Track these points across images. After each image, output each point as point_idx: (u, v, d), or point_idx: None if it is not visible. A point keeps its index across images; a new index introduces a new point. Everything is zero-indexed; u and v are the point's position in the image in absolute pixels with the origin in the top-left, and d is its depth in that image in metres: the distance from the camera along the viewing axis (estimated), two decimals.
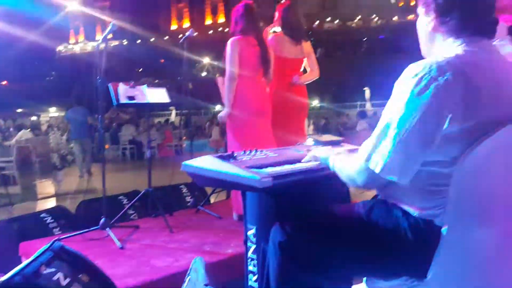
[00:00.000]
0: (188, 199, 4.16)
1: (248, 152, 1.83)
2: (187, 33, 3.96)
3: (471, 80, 1.15)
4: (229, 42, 3.36)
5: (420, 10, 1.35)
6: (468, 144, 1.15)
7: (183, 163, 1.74)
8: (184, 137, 14.75)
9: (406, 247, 1.29)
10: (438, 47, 1.31)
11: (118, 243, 2.81)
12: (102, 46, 3.12)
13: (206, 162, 1.69)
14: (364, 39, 47.35)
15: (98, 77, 3.07)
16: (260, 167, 1.61)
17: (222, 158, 1.70)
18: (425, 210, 1.27)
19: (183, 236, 3.05)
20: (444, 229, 1.22)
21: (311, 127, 6.68)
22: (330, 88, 27.86)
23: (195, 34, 4.08)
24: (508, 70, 1.28)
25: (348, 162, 1.37)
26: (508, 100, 1.20)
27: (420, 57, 1.33)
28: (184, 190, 4.23)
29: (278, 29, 3.83)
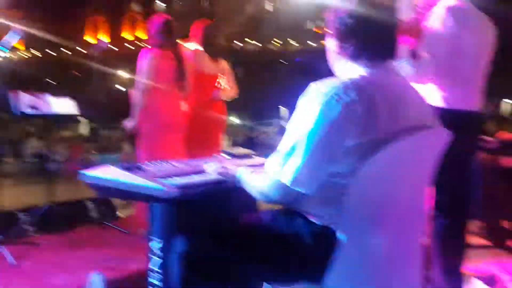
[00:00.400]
0: (93, 214, 3.96)
1: (155, 163, 1.79)
2: (99, 45, 3.83)
3: (372, 99, 1.25)
4: (142, 54, 3.31)
5: (328, 34, 1.44)
6: (364, 158, 1.23)
7: (84, 173, 1.65)
8: (94, 151, 14.06)
9: (307, 253, 1.34)
10: (344, 68, 1.40)
11: (12, 261, 2.60)
12: (4, 54, 2.90)
13: (109, 173, 1.62)
14: (283, 61, 48.94)
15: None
16: (166, 177, 1.57)
17: (127, 168, 1.64)
18: (325, 218, 1.33)
19: (84, 252, 2.92)
20: (340, 235, 1.28)
21: (230, 143, 6.73)
22: (250, 106, 28.38)
23: (107, 46, 3.96)
24: (405, 89, 1.39)
25: (259, 179, 1.39)
26: (402, 118, 1.30)
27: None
28: (90, 205, 4.03)
29: (196, 45, 3.85)
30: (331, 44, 1.43)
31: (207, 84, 3.79)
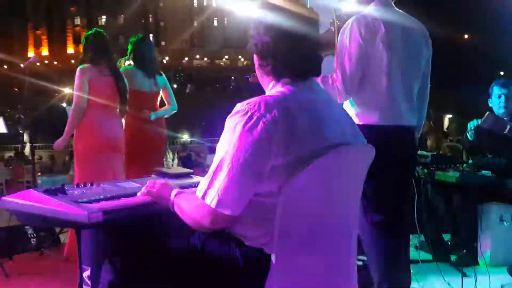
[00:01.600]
0: (33, 240, 3.73)
1: (82, 185, 1.69)
2: (30, 59, 3.66)
3: (295, 116, 1.23)
4: (77, 70, 3.19)
5: (251, 50, 1.40)
6: (290, 176, 1.21)
7: (2, 198, 1.54)
8: (39, 173, 13.43)
9: (239, 276, 1.30)
10: (268, 85, 1.38)
11: None
12: None
13: (29, 197, 1.51)
14: (232, 77, 49.32)
15: None
16: (91, 201, 1.48)
17: (49, 192, 1.53)
18: (255, 239, 1.29)
19: (20, 282, 2.77)
20: (273, 257, 1.24)
21: (176, 161, 6.59)
22: (200, 123, 28.25)
23: (47, 59, 3.79)
24: (329, 106, 1.38)
25: (188, 203, 1.34)
26: (326, 135, 1.29)
27: None
28: (29, 230, 3.79)
29: (130, 62, 3.76)
30: (254, 60, 1.40)
31: (142, 102, 3.70)
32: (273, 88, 1.35)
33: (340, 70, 2.02)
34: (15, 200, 1.53)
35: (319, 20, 1.41)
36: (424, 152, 3.48)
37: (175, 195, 1.42)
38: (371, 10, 2.09)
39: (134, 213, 1.51)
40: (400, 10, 2.17)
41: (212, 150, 11.98)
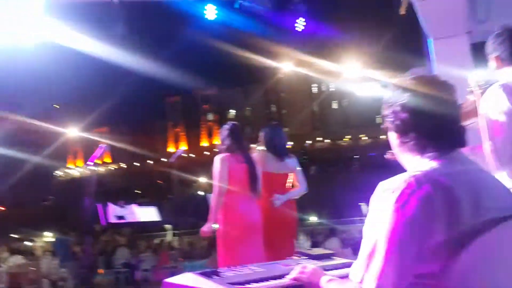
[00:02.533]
0: None
1: (233, 268, 1.79)
2: (177, 152, 4.12)
3: (449, 190, 1.18)
4: (216, 159, 3.49)
5: (387, 128, 1.41)
6: (453, 255, 1.14)
7: (164, 281, 1.69)
8: (181, 258, 14.28)
9: None
10: (411, 161, 1.34)
11: None
12: (93, 167, 3.21)
13: (188, 280, 1.65)
14: (356, 156, 48.74)
15: (87, 199, 3.11)
16: (244, 283, 1.56)
17: (205, 275, 1.66)
18: None
19: None
20: None
21: (308, 243, 6.55)
22: (327, 204, 27.94)
23: (183, 153, 4.24)
24: (483, 178, 1.31)
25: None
26: (487, 208, 1.21)
27: None
28: None
29: (262, 147, 4.03)
30: (392, 138, 1.39)
31: (274, 184, 3.86)
32: (418, 163, 1.31)
33: (491, 141, 1.94)
34: (177, 282, 1.68)
35: (455, 90, 1.38)
36: None
37: (327, 281, 1.40)
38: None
39: None
40: None
41: (333, 233, 11.58)
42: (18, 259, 9.40)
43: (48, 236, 34.25)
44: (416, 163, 1.32)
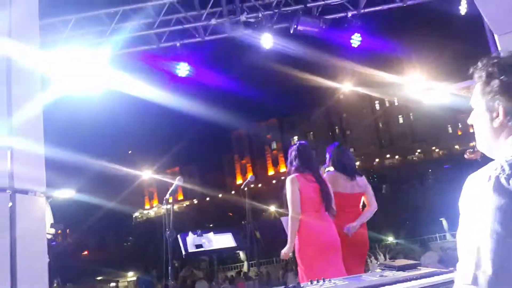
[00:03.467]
0: None
1: (315, 281, 1.78)
2: (248, 179, 4.18)
3: None
4: (287, 180, 3.48)
5: (479, 105, 1.30)
6: None
7: None
8: None
9: None
10: (501, 145, 1.26)
11: None
12: (169, 205, 3.35)
13: None
14: (429, 170, 46.56)
15: (167, 231, 3.22)
16: None
17: None
18: None
19: None
20: None
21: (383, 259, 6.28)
22: (403, 222, 26.83)
23: (253, 180, 4.29)
24: None
25: None
26: None
27: None
28: None
29: (331, 168, 3.97)
30: (487, 116, 1.27)
31: (346, 204, 3.79)
32: (509, 148, 1.22)
33: None
34: None
35: None
36: None
37: None
38: None
39: None
40: None
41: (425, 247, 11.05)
42: None
43: (131, 276, 35.66)
44: (508, 146, 1.22)
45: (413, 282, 1.76)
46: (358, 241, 3.75)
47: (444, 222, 24.04)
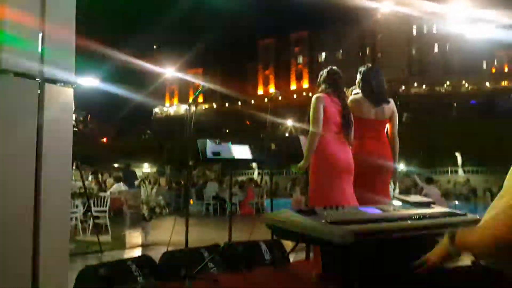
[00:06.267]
0: (266, 256, 4.12)
1: (329, 207, 1.81)
2: (273, 93, 4.13)
3: None
4: (314, 97, 3.45)
5: None
6: None
7: (265, 214, 1.76)
8: (265, 196, 14.88)
9: None
10: None
11: None
12: (192, 106, 3.35)
13: (287, 216, 1.69)
14: (454, 104, 45.55)
15: (187, 135, 3.27)
16: (342, 223, 1.57)
17: (303, 212, 1.69)
18: None
19: None
20: None
21: (397, 190, 6.41)
22: (418, 152, 26.88)
23: (279, 96, 4.22)
24: None
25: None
26: None
27: None
28: (263, 246, 4.20)
29: (358, 91, 3.85)
30: None
31: (367, 130, 3.73)
32: None
33: None
34: (274, 217, 1.74)
35: None
36: None
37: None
38: None
39: (383, 237, 1.54)
40: None
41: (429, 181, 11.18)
42: (119, 186, 10.39)
43: (146, 168, 37.29)
44: None
45: (426, 221, 1.77)
46: (380, 168, 3.74)
47: (459, 157, 24.05)
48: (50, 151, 2.05)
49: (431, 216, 1.87)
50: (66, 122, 2.21)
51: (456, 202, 15.93)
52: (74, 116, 4.80)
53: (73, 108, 2.24)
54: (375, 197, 3.48)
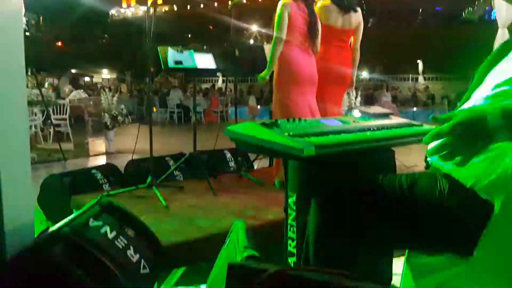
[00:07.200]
0: (231, 164, 4.23)
1: (291, 120, 1.83)
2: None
3: None
4: (279, 3, 3.33)
5: None
6: None
7: (226, 128, 1.77)
8: (230, 104, 14.92)
9: (451, 222, 1.25)
10: None
11: (163, 202, 2.93)
12: (151, 10, 3.16)
13: (249, 129, 1.70)
14: (420, 10, 45.17)
15: (147, 41, 3.13)
16: (303, 136, 1.60)
17: (265, 125, 1.70)
18: None
19: (225, 199, 3.13)
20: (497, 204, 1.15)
21: (358, 99, 6.53)
22: (381, 59, 27.02)
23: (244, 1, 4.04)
24: None
25: None
26: None
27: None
28: (228, 155, 4.31)
29: None
30: None
31: (333, 39, 3.70)
32: None
33: None
34: (237, 130, 1.75)
35: None
36: None
37: None
38: None
39: (343, 149, 1.58)
40: None
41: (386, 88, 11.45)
42: (78, 93, 10.09)
43: (105, 74, 36.02)
44: None
45: (384, 132, 1.83)
46: (340, 77, 3.79)
47: (420, 64, 24.41)
48: None
49: (389, 127, 1.93)
50: (16, 26, 2.04)
51: (415, 109, 16.50)
52: (25, 20, 4.47)
53: (23, 11, 2.07)
54: (331, 107, 3.56)
